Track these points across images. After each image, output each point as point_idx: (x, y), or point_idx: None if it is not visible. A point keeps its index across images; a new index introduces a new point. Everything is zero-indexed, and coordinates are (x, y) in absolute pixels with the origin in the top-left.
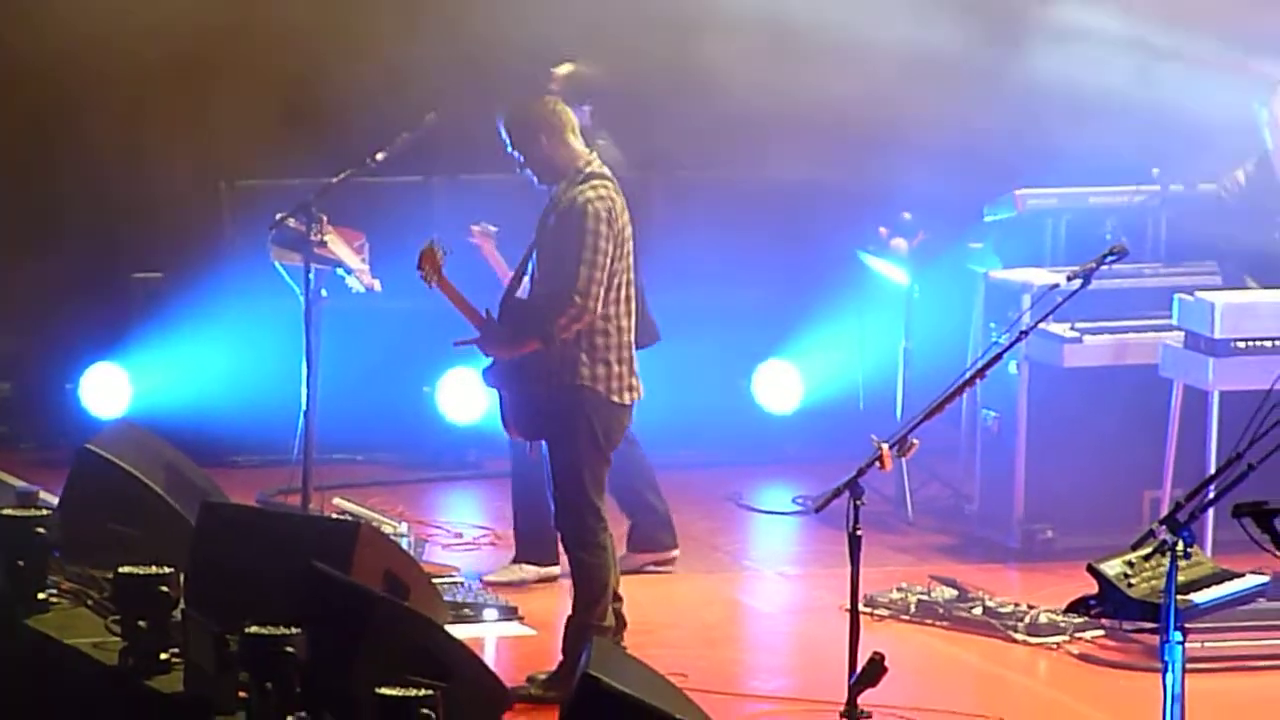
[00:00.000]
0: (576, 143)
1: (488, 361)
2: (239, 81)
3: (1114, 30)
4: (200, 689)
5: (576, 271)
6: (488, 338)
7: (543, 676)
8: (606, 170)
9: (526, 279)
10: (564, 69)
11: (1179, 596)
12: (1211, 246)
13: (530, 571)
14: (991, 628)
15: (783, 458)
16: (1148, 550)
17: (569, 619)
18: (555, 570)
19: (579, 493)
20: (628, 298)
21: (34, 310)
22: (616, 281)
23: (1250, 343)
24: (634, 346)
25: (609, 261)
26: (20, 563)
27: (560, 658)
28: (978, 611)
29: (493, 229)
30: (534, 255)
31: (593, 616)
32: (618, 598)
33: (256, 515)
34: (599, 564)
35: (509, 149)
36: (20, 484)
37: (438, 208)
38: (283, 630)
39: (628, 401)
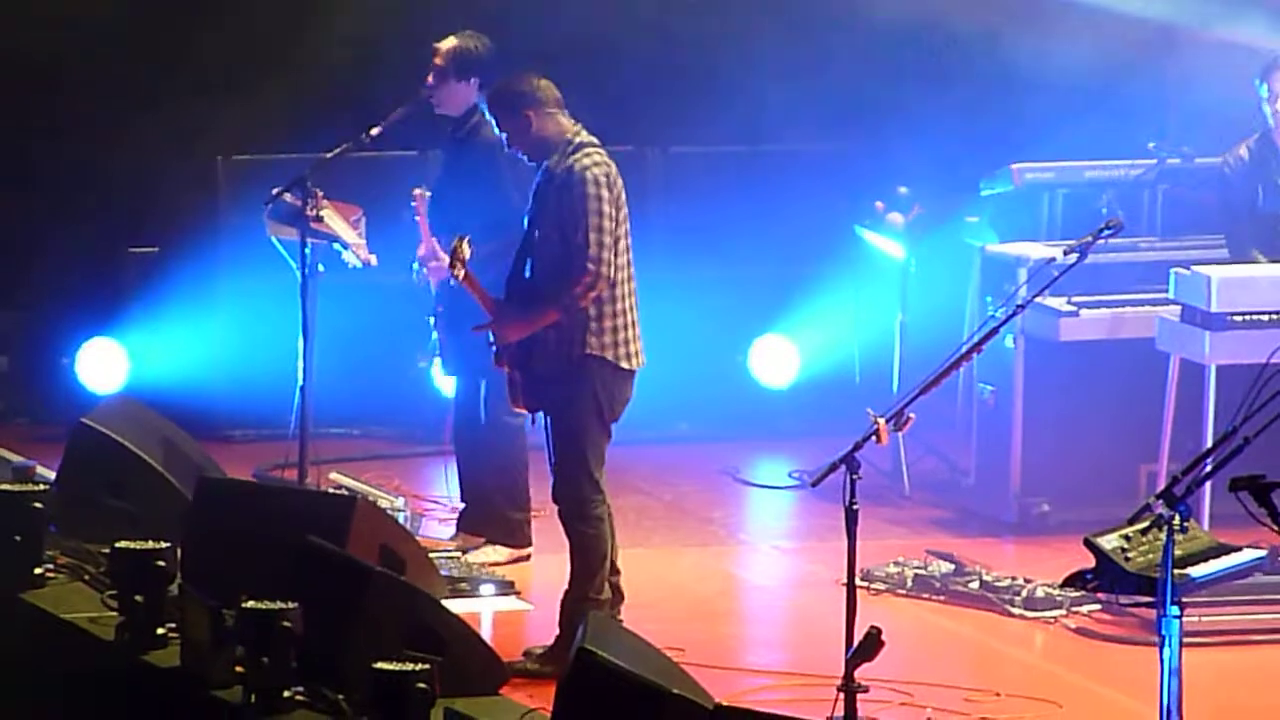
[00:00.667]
0: (563, 116)
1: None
2: (235, 56)
3: (1114, 4)
4: (196, 663)
5: (587, 240)
6: (502, 321)
7: (539, 650)
8: (594, 140)
9: (530, 260)
10: (447, 43)
11: (1176, 570)
12: (1213, 221)
13: (504, 553)
14: (988, 602)
15: (779, 432)
16: (1144, 524)
17: (565, 592)
18: (524, 553)
19: (578, 464)
20: (629, 262)
21: (30, 285)
22: (620, 248)
23: (1247, 316)
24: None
25: (614, 225)
26: (16, 538)
27: (557, 632)
28: (974, 585)
29: (429, 193)
30: (535, 233)
31: (590, 589)
32: (616, 571)
33: (253, 490)
34: (596, 535)
35: (495, 129)
36: (16, 459)
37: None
38: (279, 605)
39: (634, 366)
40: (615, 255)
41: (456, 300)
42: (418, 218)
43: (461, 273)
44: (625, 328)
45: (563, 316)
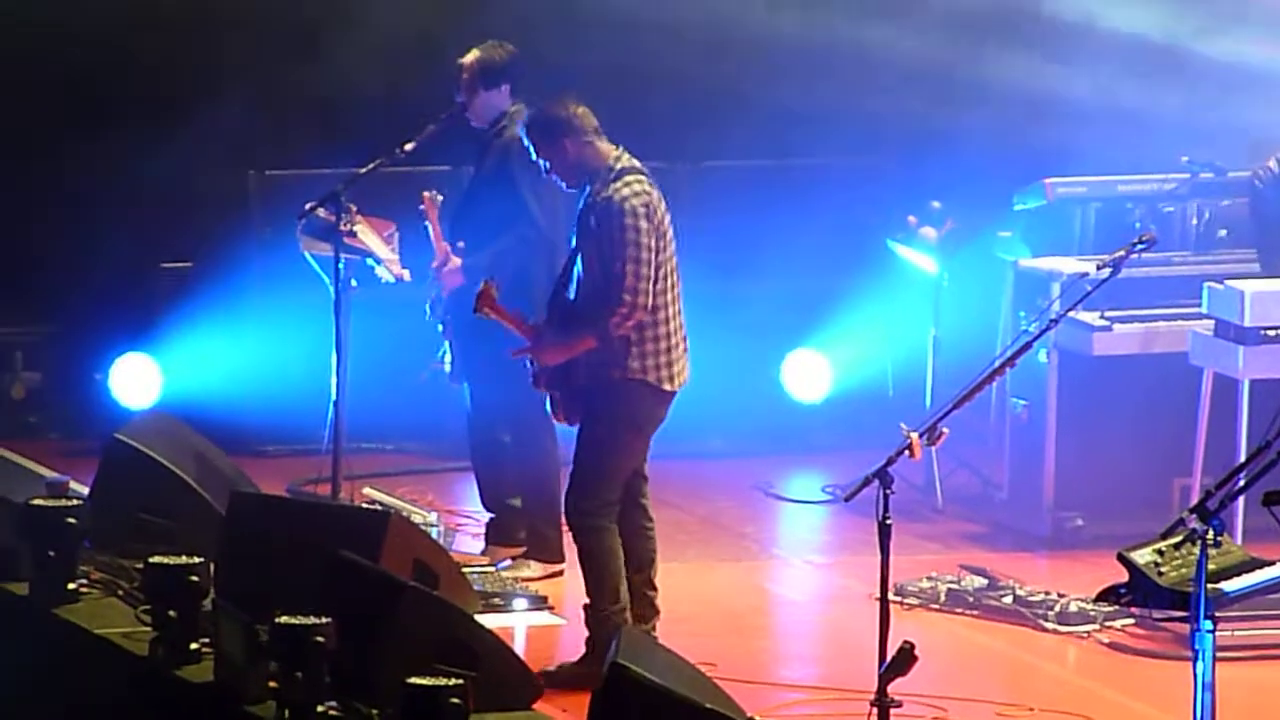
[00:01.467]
0: (602, 142)
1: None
2: (268, 71)
3: (1144, 19)
4: (230, 679)
5: (624, 271)
6: (540, 346)
7: (570, 665)
8: (637, 163)
9: (574, 282)
10: (470, 57)
11: (1209, 585)
12: (1247, 234)
13: (537, 568)
14: (1021, 616)
15: (812, 447)
16: (1178, 539)
17: (585, 605)
18: (558, 568)
19: (596, 476)
20: (673, 285)
21: (64, 300)
22: (662, 273)
23: None
24: (684, 332)
25: (653, 255)
26: (51, 553)
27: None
28: (1008, 600)
29: (439, 198)
30: (578, 257)
31: (603, 601)
32: (653, 587)
33: (286, 505)
34: (599, 547)
35: (534, 156)
36: (50, 474)
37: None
38: (312, 620)
39: (675, 388)
40: (658, 280)
41: (465, 308)
42: (427, 222)
43: (487, 313)
44: (668, 350)
45: (598, 341)
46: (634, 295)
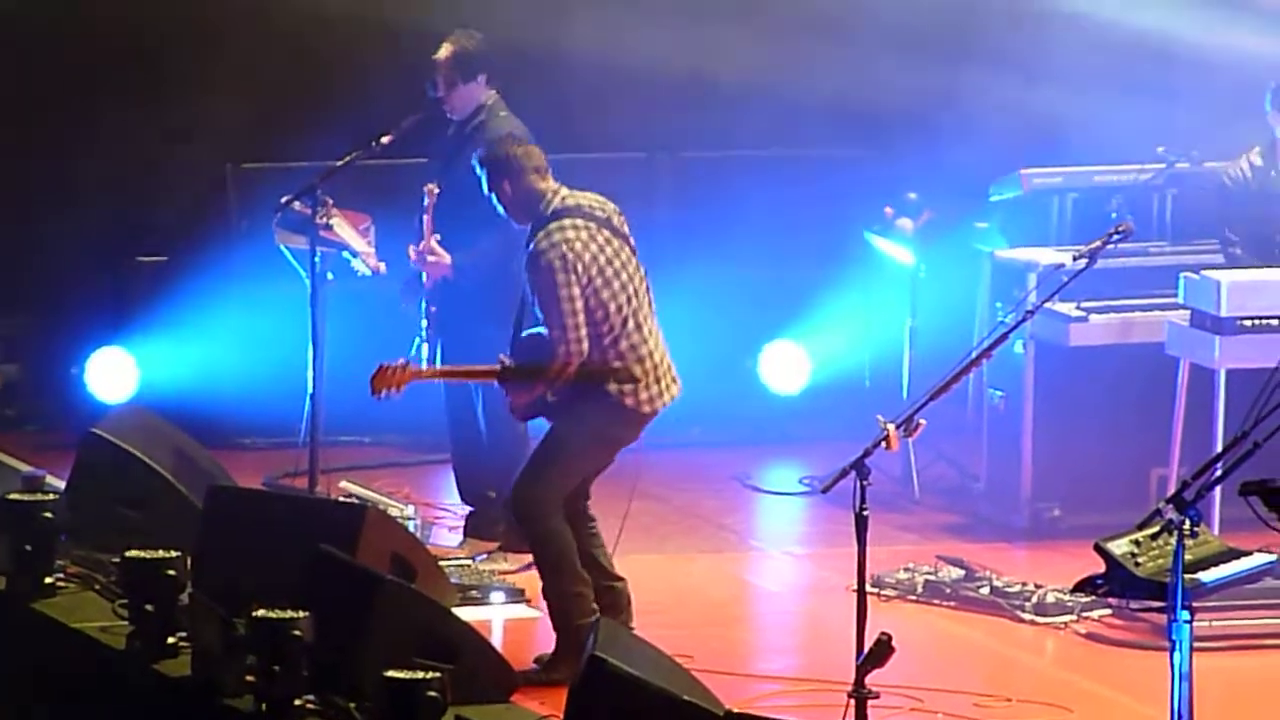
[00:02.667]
0: (540, 181)
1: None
2: (245, 64)
3: (1124, 9)
4: (208, 672)
5: (551, 324)
6: (511, 386)
7: (540, 671)
8: (570, 202)
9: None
10: (443, 51)
11: (1186, 575)
12: (1217, 227)
13: (515, 561)
14: (999, 607)
15: (789, 438)
16: (1155, 529)
17: (542, 594)
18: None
19: (551, 470)
20: (637, 309)
21: (40, 294)
22: (616, 305)
23: (1256, 321)
24: (661, 347)
25: (580, 302)
26: (27, 547)
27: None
28: (985, 591)
29: (436, 190)
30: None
31: (559, 587)
32: (618, 577)
33: (263, 498)
34: (546, 533)
35: (485, 191)
36: (26, 468)
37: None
38: (290, 613)
39: (656, 409)
40: (621, 310)
41: (448, 301)
42: (426, 216)
43: (393, 391)
44: (647, 373)
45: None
46: (565, 345)
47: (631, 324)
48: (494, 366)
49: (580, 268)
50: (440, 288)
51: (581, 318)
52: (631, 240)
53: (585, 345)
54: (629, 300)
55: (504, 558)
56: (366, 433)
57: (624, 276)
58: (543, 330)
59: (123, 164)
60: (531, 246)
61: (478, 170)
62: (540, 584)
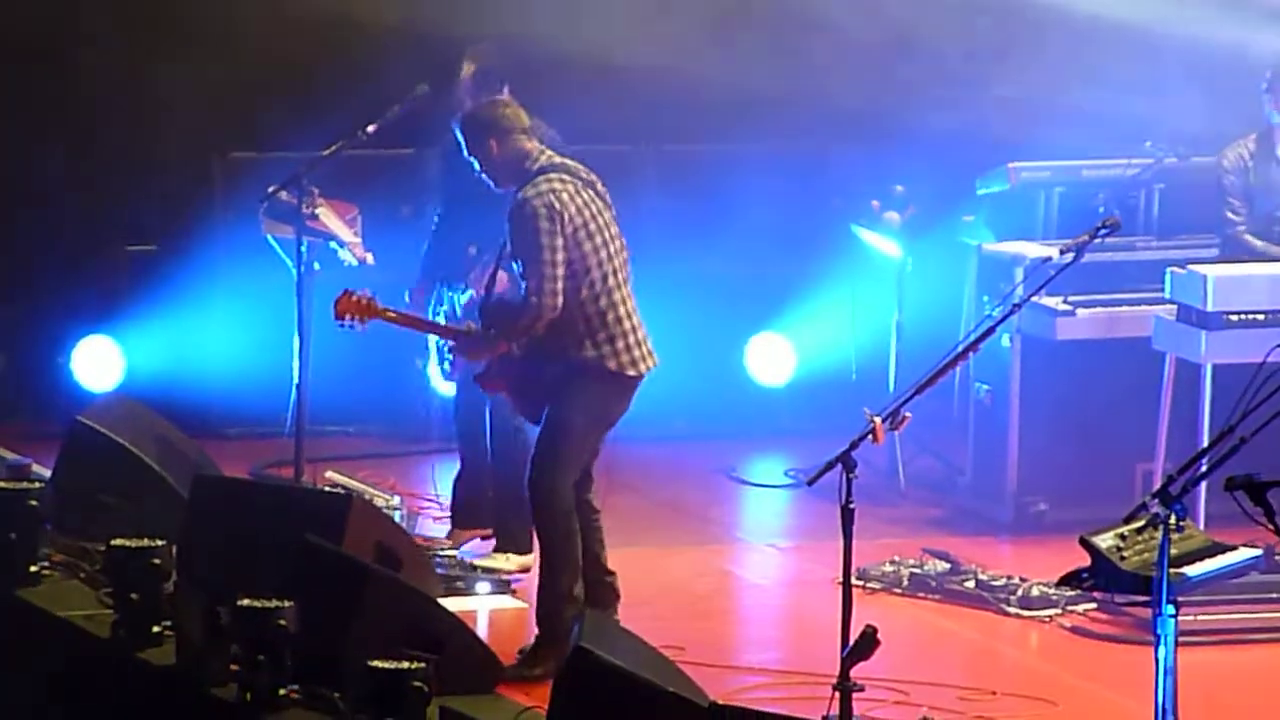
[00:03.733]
0: (527, 142)
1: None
2: (231, 53)
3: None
4: (192, 661)
5: (528, 273)
6: (463, 346)
7: (522, 665)
8: (557, 160)
9: (505, 277)
10: (466, 70)
11: (1171, 570)
12: (1210, 219)
13: (514, 561)
14: (984, 601)
15: (775, 430)
16: (1140, 523)
17: (539, 590)
18: (530, 560)
19: (556, 459)
20: (616, 270)
21: (26, 282)
22: (597, 260)
23: (1243, 315)
24: (637, 316)
25: (562, 254)
26: (12, 535)
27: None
28: (970, 584)
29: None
30: (505, 258)
31: (559, 586)
32: (610, 572)
33: (249, 488)
34: (563, 531)
35: (465, 154)
36: (12, 456)
37: (429, 180)
38: (275, 603)
39: (640, 372)
40: (598, 267)
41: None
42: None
43: (359, 322)
44: (623, 335)
45: (510, 346)
46: (539, 296)
47: (612, 282)
48: (460, 327)
49: (565, 218)
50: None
51: (561, 270)
52: (613, 208)
53: (560, 300)
54: (609, 258)
55: (505, 557)
56: (352, 423)
57: (605, 236)
58: (507, 295)
59: (108, 153)
60: (517, 197)
61: (459, 133)
62: (537, 574)
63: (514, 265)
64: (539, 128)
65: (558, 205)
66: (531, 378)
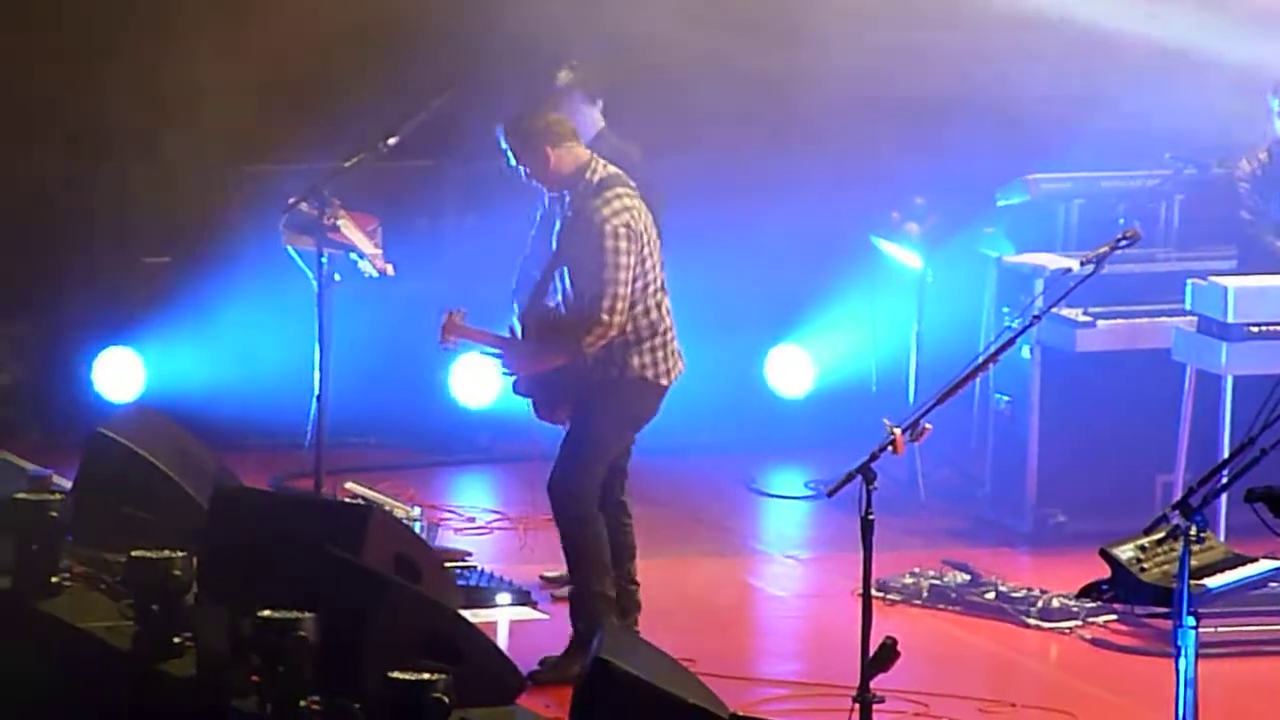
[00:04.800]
0: (581, 150)
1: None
2: (250, 65)
3: (1130, 15)
4: (213, 673)
5: (602, 292)
6: (510, 357)
7: (555, 659)
8: (614, 170)
9: (557, 292)
10: (564, 75)
11: (1192, 581)
12: (1230, 231)
13: None
14: (1004, 612)
15: (795, 442)
16: (1160, 535)
17: (570, 594)
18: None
19: (587, 465)
20: (661, 285)
21: (46, 295)
22: (654, 275)
23: (1263, 327)
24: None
25: (633, 275)
26: (33, 546)
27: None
28: (990, 596)
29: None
30: (558, 265)
31: (588, 588)
32: (634, 581)
33: (269, 499)
34: (586, 533)
35: (512, 162)
36: (33, 468)
37: (449, 192)
38: (295, 614)
39: (670, 382)
40: (651, 280)
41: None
42: (464, 340)
43: (453, 342)
44: (663, 346)
45: (571, 360)
46: (611, 316)
47: (660, 295)
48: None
49: (639, 237)
50: None
51: (627, 290)
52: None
53: (626, 317)
54: (659, 271)
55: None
56: (372, 434)
57: (657, 248)
58: (556, 303)
59: (128, 164)
60: (593, 213)
61: (507, 140)
62: (568, 578)
63: (566, 272)
64: (621, 145)
65: (635, 226)
66: (562, 383)
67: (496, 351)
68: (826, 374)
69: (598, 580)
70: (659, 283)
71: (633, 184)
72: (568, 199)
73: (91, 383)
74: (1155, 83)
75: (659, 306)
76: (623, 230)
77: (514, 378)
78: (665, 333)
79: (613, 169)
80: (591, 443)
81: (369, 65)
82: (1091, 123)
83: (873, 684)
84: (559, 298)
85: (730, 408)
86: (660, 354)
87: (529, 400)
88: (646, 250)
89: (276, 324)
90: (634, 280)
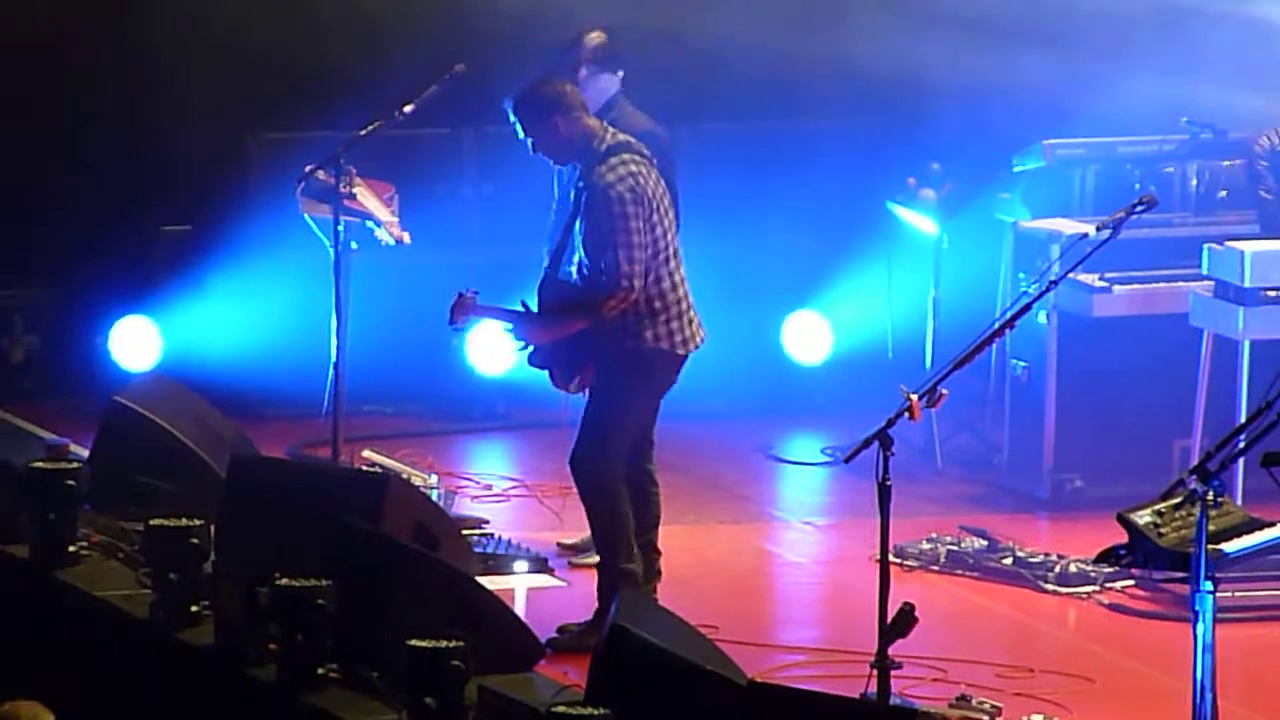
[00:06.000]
0: (590, 119)
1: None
2: (266, 32)
3: None
4: (231, 641)
5: (617, 257)
6: (523, 328)
7: (575, 627)
8: (623, 137)
9: (570, 263)
10: (593, 38)
11: (1209, 546)
12: (1246, 196)
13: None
14: (1021, 578)
15: (812, 408)
16: (1178, 500)
17: (598, 565)
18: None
19: (608, 436)
20: (674, 253)
21: (63, 263)
22: (665, 242)
23: None
24: (689, 295)
25: (644, 237)
26: (51, 516)
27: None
28: (1008, 561)
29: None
30: (571, 234)
31: (619, 558)
32: (656, 550)
33: (287, 467)
34: (610, 505)
35: (520, 134)
36: (50, 436)
37: (466, 159)
38: (313, 582)
39: (690, 350)
40: (658, 252)
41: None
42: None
43: (463, 322)
44: (679, 315)
45: (591, 326)
46: (630, 280)
47: (673, 263)
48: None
49: (646, 202)
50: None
51: (642, 253)
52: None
53: (644, 280)
54: (672, 239)
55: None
56: (389, 403)
57: (670, 217)
58: (570, 275)
59: (145, 133)
60: (598, 180)
61: (515, 110)
62: (594, 553)
63: (580, 244)
64: (637, 114)
65: (640, 190)
66: (579, 352)
67: (510, 325)
68: (843, 340)
69: (622, 556)
70: (671, 250)
71: (645, 152)
72: (578, 170)
73: (109, 351)
74: (1174, 45)
75: (671, 275)
76: (628, 195)
77: (529, 350)
78: (680, 302)
79: (622, 136)
80: (612, 417)
81: (387, 33)
82: (1108, 86)
83: (891, 650)
84: (574, 270)
85: (747, 374)
86: (676, 324)
87: (546, 371)
88: (656, 217)
89: (293, 292)
90: (644, 247)
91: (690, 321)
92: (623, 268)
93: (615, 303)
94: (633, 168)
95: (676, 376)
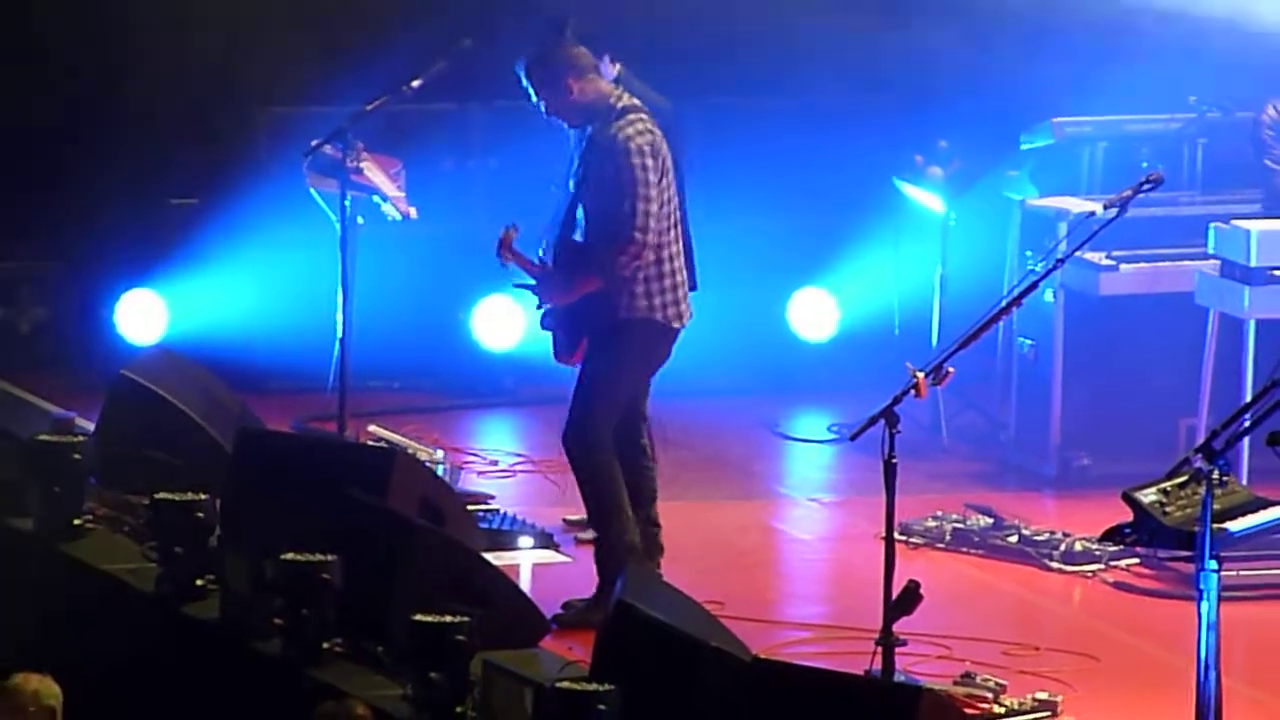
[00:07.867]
0: (603, 82)
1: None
2: (275, 7)
3: None
4: (236, 615)
5: (634, 209)
6: (545, 286)
7: (580, 603)
8: (636, 101)
9: (577, 226)
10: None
11: (1214, 524)
12: (1254, 174)
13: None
14: (1027, 556)
15: (818, 385)
16: (1183, 478)
17: (594, 539)
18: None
19: (598, 410)
20: (674, 224)
21: (70, 236)
22: (668, 209)
23: None
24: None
25: (659, 195)
26: (56, 489)
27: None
28: (1013, 539)
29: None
30: (580, 197)
31: (611, 534)
32: (655, 524)
33: (293, 441)
34: (604, 478)
35: (533, 98)
36: (56, 410)
37: (472, 134)
38: (319, 557)
39: (681, 324)
40: (666, 215)
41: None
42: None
43: (508, 259)
44: (673, 288)
45: (605, 282)
46: (644, 233)
47: (672, 234)
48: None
49: (657, 162)
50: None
51: (656, 208)
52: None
53: (655, 237)
54: (673, 209)
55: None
56: (395, 377)
57: (673, 189)
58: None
59: (153, 106)
60: (616, 133)
61: (527, 74)
62: (590, 526)
63: (583, 203)
64: (644, 88)
65: (652, 147)
66: (582, 319)
67: (533, 282)
68: (850, 317)
69: (619, 527)
70: (673, 220)
71: (653, 118)
72: (589, 132)
73: (115, 325)
74: (1180, 22)
75: (670, 246)
76: (648, 149)
77: (545, 309)
78: (675, 274)
79: (635, 101)
80: (602, 387)
81: (394, 7)
82: (1117, 64)
83: (895, 627)
84: (579, 234)
85: (754, 351)
86: (669, 296)
87: (550, 338)
88: (665, 181)
89: (300, 266)
90: (659, 205)
91: (683, 297)
92: (638, 220)
93: (627, 257)
94: (649, 126)
95: (669, 352)
